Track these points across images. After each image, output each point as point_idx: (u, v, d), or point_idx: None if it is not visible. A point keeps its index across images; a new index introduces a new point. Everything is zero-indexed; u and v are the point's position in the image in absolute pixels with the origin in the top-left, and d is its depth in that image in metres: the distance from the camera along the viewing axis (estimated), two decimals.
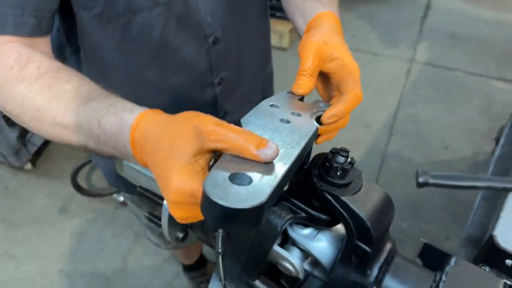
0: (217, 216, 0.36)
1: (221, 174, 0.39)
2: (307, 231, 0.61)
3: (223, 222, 0.37)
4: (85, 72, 0.89)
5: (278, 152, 0.44)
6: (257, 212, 0.37)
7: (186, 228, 0.70)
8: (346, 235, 0.56)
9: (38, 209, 2.27)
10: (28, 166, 2.40)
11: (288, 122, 0.51)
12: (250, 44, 0.95)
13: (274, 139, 0.47)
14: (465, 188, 1.04)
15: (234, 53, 0.92)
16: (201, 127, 0.46)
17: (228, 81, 0.94)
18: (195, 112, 0.50)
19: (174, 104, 0.91)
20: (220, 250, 0.59)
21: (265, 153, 0.43)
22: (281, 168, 0.42)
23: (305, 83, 0.61)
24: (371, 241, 0.54)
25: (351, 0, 3.72)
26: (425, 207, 2.16)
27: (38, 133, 0.64)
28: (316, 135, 0.53)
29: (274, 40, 3.12)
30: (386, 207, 0.57)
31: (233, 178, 0.39)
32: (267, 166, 0.42)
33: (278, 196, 0.43)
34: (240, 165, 0.41)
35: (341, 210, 0.54)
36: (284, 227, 0.57)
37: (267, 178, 0.40)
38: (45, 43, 0.70)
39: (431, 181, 1.05)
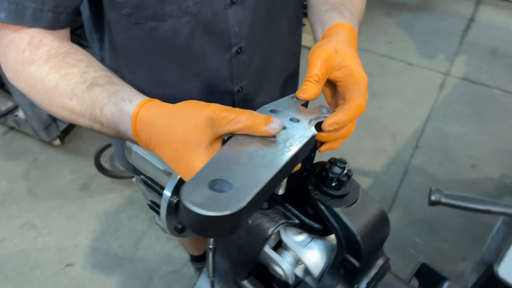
0: (193, 222, 0.37)
1: (201, 180, 0.39)
2: (301, 237, 0.61)
3: (198, 228, 0.37)
4: (108, 60, 0.92)
5: (280, 124, 0.49)
6: (232, 220, 0.37)
7: None
8: (337, 246, 0.56)
9: (62, 184, 2.35)
10: (57, 142, 2.49)
11: (284, 128, 0.51)
12: (275, 56, 0.95)
13: (266, 145, 0.47)
14: (479, 211, 1.01)
15: (256, 64, 0.92)
16: (214, 115, 0.49)
17: (247, 90, 0.95)
18: (199, 102, 0.52)
19: None
20: (211, 246, 0.61)
21: (272, 128, 0.49)
22: (265, 176, 0.42)
23: (310, 89, 0.60)
24: (360, 255, 0.53)
25: (392, 6, 3.65)
26: (443, 225, 2.11)
27: (49, 112, 0.67)
28: (313, 142, 0.53)
29: (307, 40, 3.10)
30: (380, 223, 0.56)
31: (214, 184, 0.39)
32: (252, 171, 0.42)
33: (262, 202, 0.43)
34: (227, 168, 0.42)
35: (333, 221, 0.54)
36: (275, 231, 0.57)
37: (248, 185, 0.40)
38: (62, 33, 0.72)
39: (443, 200, 1.02)
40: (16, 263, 1.99)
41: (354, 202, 0.55)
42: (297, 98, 0.60)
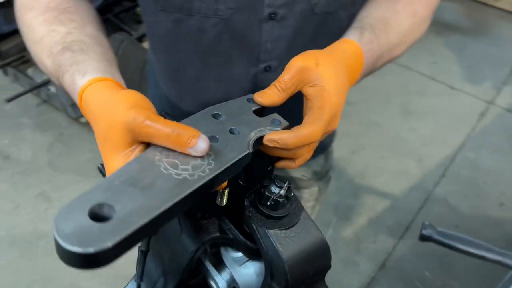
0: (56, 247, 0.34)
1: (84, 202, 0.36)
2: (238, 255, 0.57)
3: (62, 258, 0.34)
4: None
5: (207, 147, 0.43)
6: (96, 257, 0.33)
7: None
8: (264, 272, 0.51)
9: (81, 161, 2.41)
10: (84, 119, 2.55)
11: (216, 141, 0.47)
12: None
13: (187, 162, 0.42)
14: (472, 255, 0.93)
15: None
16: (134, 123, 0.46)
17: (269, 109, 0.88)
18: (135, 97, 0.49)
19: (205, 105, 0.88)
20: (143, 249, 0.58)
21: (195, 150, 0.44)
22: (160, 205, 0.37)
23: (271, 94, 0.55)
24: (286, 285, 0.49)
25: (444, 26, 3.48)
26: (456, 261, 1.98)
27: (36, 61, 0.67)
28: (247, 159, 0.48)
29: None
30: (317, 254, 0.51)
31: (100, 208, 0.36)
32: (147, 197, 0.38)
33: (156, 231, 0.39)
34: (122, 189, 0.38)
35: (262, 243, 0.49)
36: (206, 243, 0.53)
37: (132, 216, 0.35)
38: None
39: (435, 237, 0.95)
40: (24, 231, 2.06)
41: (291, 226, 0.50)
42: (254, 101, 0.55)
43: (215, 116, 0.50)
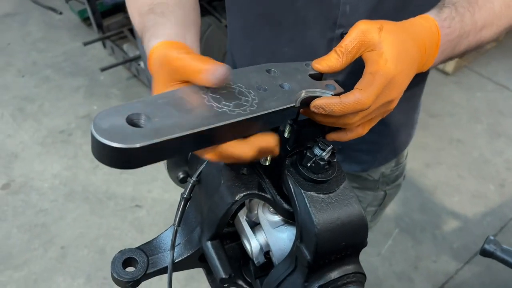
0: (92, 142, 0.36)
1: (124, 109, 0.38)
2: (275, 218, 0.57)
3: (94, 151, 0.36)
4: None
5: (221, 76, 0.43)
6: (124, 154, 0.35)
7: (186, 170, 0.71)
8: (295, 233, 0.50)
9: None
10: None
11: (265, 90, 0.46)
12: None
13: (230, 100, 0.43)
14: None
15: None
16: (175, 64, 0.48)
17: (340, 83, 0.84)
18: (183, 49, 0.51)
19: None
20: (185, 196, 0.60)
21: (206, 78, 0.43)
22: (196, 126, 0.38)
23: (330, 60, 0.52)
24: (314, 249, 0.47)
25: None
26: None
27: (131, 20, 0.71)
28: (291, 114, 0.47)
29: None
30: (352, 226, 0.49)
31: (137, 118, 0.38)
32: (182, 118, 0.39)
33: (181, 152, 0.40)
34: (161, 107, 0.40)
35: (296, 202, 0.49)
36: (243, 197, 0.54)
37: (168, 127, 0.37)
38: None
39: (498, 253, 0.87)
40: (98, 190, 2.23)
41: (329, 193, 0.49)
42: (312, 67, 0.54)
43: (269, 71, 0.50)
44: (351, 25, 0.68)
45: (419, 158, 2.37)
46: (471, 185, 2.26)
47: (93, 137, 0.35)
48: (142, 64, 2.64)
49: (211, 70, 0.43)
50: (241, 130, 0.43)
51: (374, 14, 0.71)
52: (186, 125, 0.38)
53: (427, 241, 2.02)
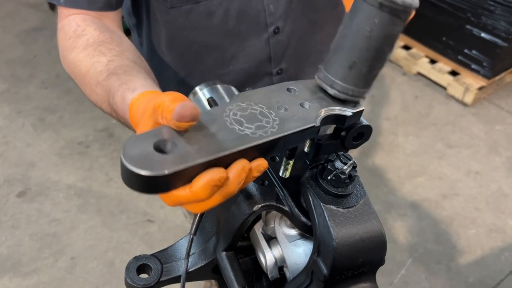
0: (121, 169, 0.37)
1: (151, 135, 0.39)
2: (291, 232, 0.56)
3: (124, 178, 0.37)
4: (145, 46, 0.94)
5: (192, 117, 0.39)
6: (152, 181, 0.36)
7: None
8: (313, 247, 0.50)
9: None
10: None
11: (286, 109, 0.47)
12: (315, 36, 0.92)
13: (252, 122, 0.44)
14: None
15: (296, 45, 0.90)
16: (156, 104, 0.45)
17: (287, 72, 0.94)
18: (166, 93, 0.49)
19: None
20: None
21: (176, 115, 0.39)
22: (220, 150, 0.39)
23: None
24: (331, 263, 0.47)
25: None
26: None
27: (87, 97, 0.72)
28: (312, 133, 0.47)
29: (456, 90, 2.84)
30: (371, 243, 0.48)
31: (163, 143, 0.39)
32: (206, 142, 0.40)
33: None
34: (186, 131, 0.40)
35: (315, 215, 0.48)
36: (260, 209, 0.53)
37: (193, 153, 0.38)
38: (113, 16, 0.78)
39: None
40: (110, 203, 2.24)
41: (348, 207, 0.49)
42: None
43: (289, 90, 0.51)
44: (278, 19, 0.85)
45: (436, 188, 2.34)
46: (488, 218, 2.21)
47: (123, 166, 0.36)
48: None
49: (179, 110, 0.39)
50: (262, 151, 0.43)
51: (290, 3, 0.85)
52: (211, 150, 0.39)
53: (442, 273, 1.97)
